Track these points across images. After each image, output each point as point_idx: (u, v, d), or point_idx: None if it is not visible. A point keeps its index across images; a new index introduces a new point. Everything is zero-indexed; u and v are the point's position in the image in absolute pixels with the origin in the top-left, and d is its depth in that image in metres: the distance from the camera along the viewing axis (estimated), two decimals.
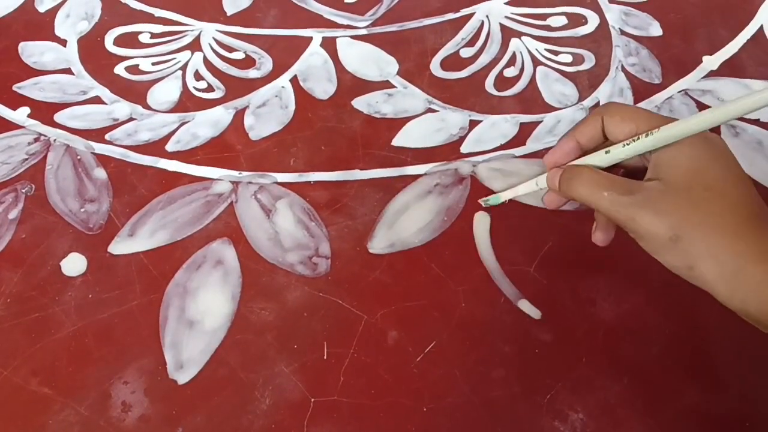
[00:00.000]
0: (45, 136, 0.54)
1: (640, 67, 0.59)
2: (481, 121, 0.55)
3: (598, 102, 0.56)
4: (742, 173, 0.32)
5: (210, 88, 0.58)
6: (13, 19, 0.65)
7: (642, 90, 0.57)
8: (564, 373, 0.41)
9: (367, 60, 0.60)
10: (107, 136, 0.54)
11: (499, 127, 0.54)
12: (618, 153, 0.34)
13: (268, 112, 0.56)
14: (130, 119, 0.56)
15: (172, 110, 0.56)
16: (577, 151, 0.36)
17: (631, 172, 0.36)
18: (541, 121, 0.55)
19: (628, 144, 0.33)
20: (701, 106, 0.55)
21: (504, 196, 0.43)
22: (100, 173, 0.52)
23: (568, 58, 0.60)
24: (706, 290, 0.31)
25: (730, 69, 0.58)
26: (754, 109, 0.30)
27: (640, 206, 0.31)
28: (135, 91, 0.58)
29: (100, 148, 0.53)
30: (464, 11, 0.64)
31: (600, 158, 0.35)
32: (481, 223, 0.48)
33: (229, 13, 0.65)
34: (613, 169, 0.35)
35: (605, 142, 0.36)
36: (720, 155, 0.32)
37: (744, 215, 0.30)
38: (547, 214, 0.48)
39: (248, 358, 0.42)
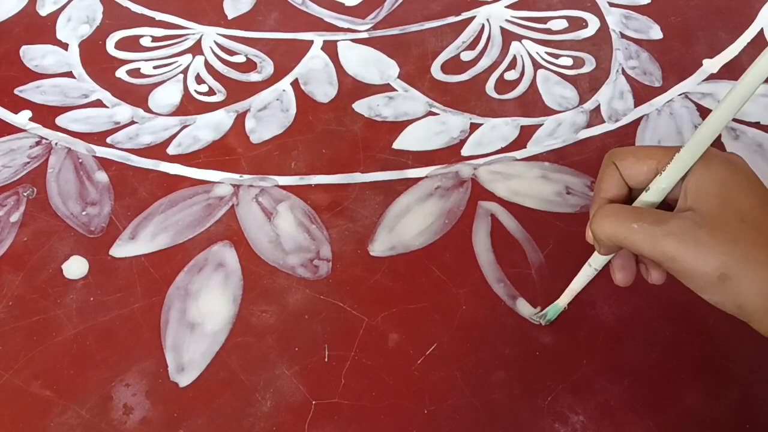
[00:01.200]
0: (46, 139, 0.55)
1: (640, 70, 0.59)
2: (481, 124, 0.55)
3: (599, 105, 0.56)
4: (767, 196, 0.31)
5: (211, 92, 0.58)
6: (14, 23, 0.65)
7: (642, 93, 0.57)
8: (564, 376, 0.41)
9: (367, 63, 0.60)
10: (109, 140, 0.54)
11: (499, 130, 0.55)
12: (643, 198, 0.32)
13: (269, 116, 0.56)
14: (132, 122, 0.56)
15: (174, 113, 0.57)
16: (626, 194, 0.34)
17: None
18: (541, 124, 0.55)
19: (648, 189, 0.31)
20: (701, 109, 0.55)
21: (563, 303, 0.41)
22: (102, 176, 0.52)
23: (569, 62, 0.60)
24: (756, 328, 0.30)
25: (730, 72, 0.58)
26: (754, 90, 0.29)
27: (677, 240, 0.29)
28: (136, 95, 0.58)
29: (102, 151, 0.54)
30: (465, 15, 0.65)
31: (642, 202, 0.32)
32: (482, 227, 0.48)
33: (230, 17, 0.65)
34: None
35: (630, 191, 0.34)
36: (746, 181, 0.31)
37: None
38: (548, 217, 0.48)
39: (249, 360, 0.42)
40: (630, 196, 0.34)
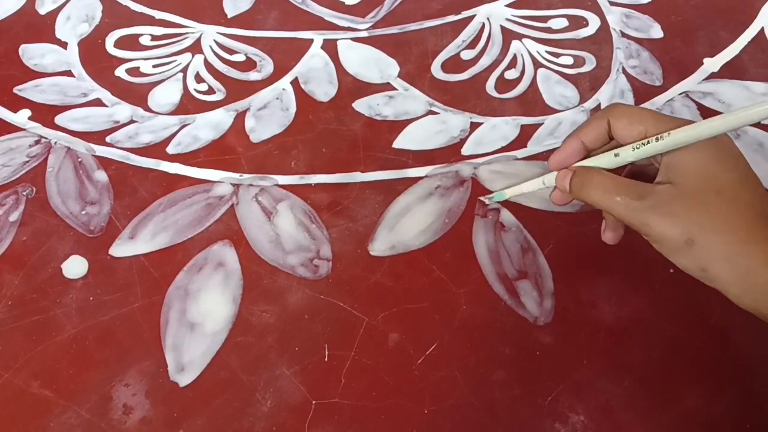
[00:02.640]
0: (46, 138, 0.54)
1: (641, 69, 0.59)
2: (482, 124, 0.55)
3: (599, 104, 0.56)
4: (752, 175, 0.33)
5: (211, 91, 0.58)
6: (13, 22, 0.65)
7: (643, 92, 0.57)
8: (565, 376, 0.41)
9: (368, 62, 0.60)
10: (108, 139, 0.54)
11: (500, 129, 0.54)
12: (627, 156, 0.34)
13: (269, 115, 0.56)
14: (131, 121, 0.56)
15: (173, 112, 0.56)
16: (582, 152, 0.37)
17: (637, 171, 0.37)
18: (542, 124, 0.55)
19: (638, 147, 0.34)
20: (702, 108, 0.55)
21: (508, 193, 0.43)
22: (101, 176, 0.52)
23: (569, 61, 0.60)
24: (719, 290, 0.32)
25: (731, 71, 0.58)
26: (765, 118, 0.30)
27: (653, 211, 0.32)
28: (136, 94, 0.58)
29: (101, 150, 0.53)
30: (465, 13, 0.65)
31: (608, 160, 0.35)
32: (481, 228, 0.48)
33: (229, 16, 0.65)
34: (618, 169, 0.35)
35: (610, 142, 0.36)
36: (730, 158, 0.33)
37: (754, 218, 0.31)
38: (548, 217, 0.48)
39: (249, 360, 0.42)
40: (606, 144, 0.36)
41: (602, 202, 0.34)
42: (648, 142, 0.33)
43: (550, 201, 0.48)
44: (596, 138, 0.36)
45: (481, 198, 0.45)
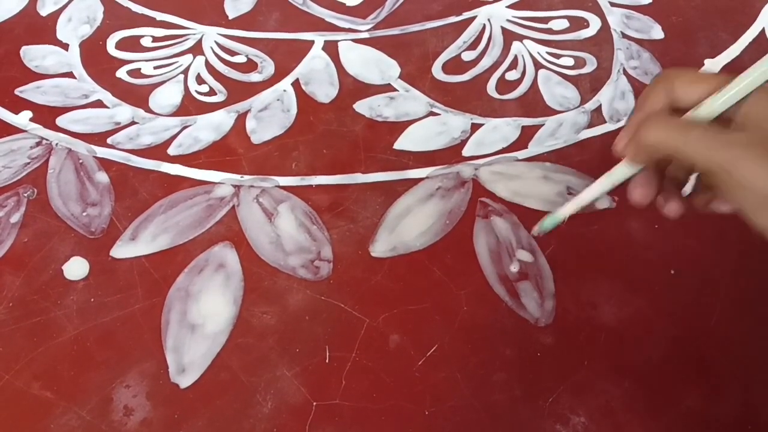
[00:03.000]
0: (47, 140, 0.54)
1: (641, 71, 0.59)
2: (482, 125, 0.55)
3: (600, 105, 0.56)
4: None
5: (212, 92, 0.58)
6: (14, 23, 0.65)
7: None
8: (565, 377, 0.41)
9: (368, 63, 0.60)
10: (109, 140, 0.54)
11: (500, 130, 0.54)
12: (713, 104, 0.29)
13: (270, 116, 0.56)
14: (132, 123, 0.56)
15: (174, 114, 0.56)
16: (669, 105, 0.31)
17: None
18: (542, 125, 0.55)
19: (721, 94, 0.29)
20: None
21: (563, 213, 0.36)
22: (102, 177, 0.52)
23: (570, 62, 0.60)
24: None
25: (732, 72, 0.58)
26: None
27: (741, 150, 0.27)
28: (137, 95, 0.58)
29: (102, 152, 0.53)
30: (466, 14, 0.65)
31: (699, 112, 0.30)
32: (482, 229, 0.48)
33: (230, 17, 0.65)
34: None
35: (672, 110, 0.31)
36: None
37: None
38: None
39: (250, 361, 0.42)
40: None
41: (671, 139, 0.29)
42: (730, 85, 0.29)
43: (550, 202, 0.48)
44: (660, 107, 0.31)
45: (533, 232, 0.38)
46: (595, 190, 0.35)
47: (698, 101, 0.30)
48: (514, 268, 0.46)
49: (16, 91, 0.58)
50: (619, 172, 0.33)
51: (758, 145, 0.27)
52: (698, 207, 0.33)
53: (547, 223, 0.36)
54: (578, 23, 0.63)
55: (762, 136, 0.27)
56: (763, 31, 0.62)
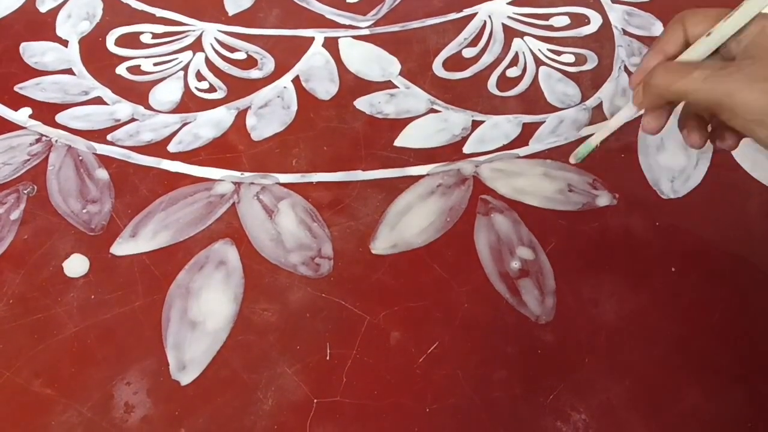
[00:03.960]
0: (47, 136, 0.54)
1: None
2: (483, 122, 0.55)
3: (601, 102, 0.56)
4: None
5: (212, 89, 0.58)
6: (14, 20, 0.65)
7: None
8: (566, 374, 0.41)
9: (369, 60, 0.60)
10: (109, 137, 0.54)
11: (501, 127, 0.54)
12: (712, 39, 0.32)
13: (271, 113, 0.56)
14: (132, 120, 0.56)
15: (174, 111, 0.56)
16: (682, 47, 0.34)
17: None
18: (543, 122, 0.55)
19: (716, 29, 0.32)
20: None
21: (595, 141, 0.38)
22: (102, 174, 0.52)
23: (571, 59, 0.60)
24: None
25: None
26: None
27: (735, 79, 0.30)
28: (137, 92, 0.58)
29: (102, 148, 0.53)
30: (466, 11, 0.64)
31: (696, 50, 0.33)
32: (483, 226, 0.48)
33: (230, 13, 0.65)
34: None
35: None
36: None
37: None
38: (550, 216, 0.48)
39: (251, 359, 0.42)
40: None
41: (675, 82, 0.32)
42: (729, 17, 0.32)
43: (550, 199, 0.48)
44: (674, 46, 0.34)
45: (570, 159, 0.40)
46: (622, 117, 0.36)
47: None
48: (515, 265, 0.46)
49: (16, 88, 0.58)
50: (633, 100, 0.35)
51: (751, 70, 0.30)
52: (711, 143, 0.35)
53: (582, 150, 0.38)
54: (579, 20, 0.63)
55: (755, 64, 0.31)
56: (763, 28, 0.62)
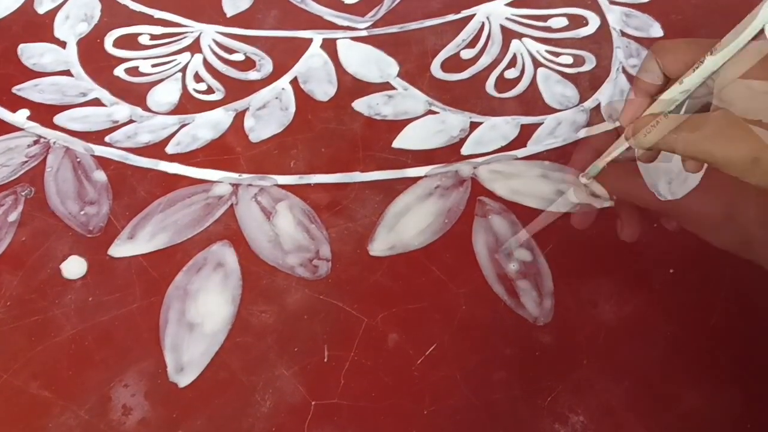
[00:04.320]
0: (44, 138, 0.54)
1: None
2: (481, 123, 0.55)
3: (599, 103, 0.56)
4: None
5: (210, 90, 0.58)
6: (12, 21, 0.65)
7: None
8: (565, 376, 0.41)
9: (367, 61, 0.60)
10: (107, 139, 0.54)
11: (499, 128, 0.54)
12: (689, 82, 0.33)
13: (269, 114, 0.56)
14: (130, 121, 0.56)
15: (172, 112, 0.56)
16: (647, 101, 0.36)
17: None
18: (542, 123, 0.55)
19: (695, 69, 0.33)
20: None
21: (601, 165, 0.40)
22: (100, 176, 0.52)
23: (569, 60, 0.60)
24: None
25: None
26: None
27: (712, 140, 0.32)
28: (135, 93, 0.58)
29: (100, 150, 0.53)
30: (465, 12, 0.64)
31: (672, 95, 0.34)
32: (481, 228, 0.48)
33: (228, 15, 0.65)
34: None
35: (669, 81, 0.35)
36: None
37: None
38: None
39: (249, 360, 0.42)
40: (666, 86, 0.35)
41: (662, 144, 0.34)
42: (702, 61, 0.32)
43: (549, 200, 0.48)
44: (656, 83, 0.35)
45: (581, 179, 0.42)
46: (619, 148, 0.38)
47: (684, 71, 0.33)
48: (513, 266, 0.46)
49: (14, 89, 0.58)
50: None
51: (725, 130, 0.31)
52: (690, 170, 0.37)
53: (592, 171, 0.40)
54: (577, 21, 0.63)
55: (730, 117, 0.32)
56: (762, 29, 0.62)
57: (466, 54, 0.61)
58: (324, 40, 0.62)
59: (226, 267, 0.46)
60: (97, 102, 0.57)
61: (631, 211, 0.37)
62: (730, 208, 0.31)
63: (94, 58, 0.61)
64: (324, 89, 0.58)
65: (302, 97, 0.57)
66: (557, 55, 0.60)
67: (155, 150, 0.53)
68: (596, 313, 0.44)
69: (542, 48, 0.61)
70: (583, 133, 0.54)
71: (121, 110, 0.56)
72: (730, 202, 0.31)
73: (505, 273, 0.45)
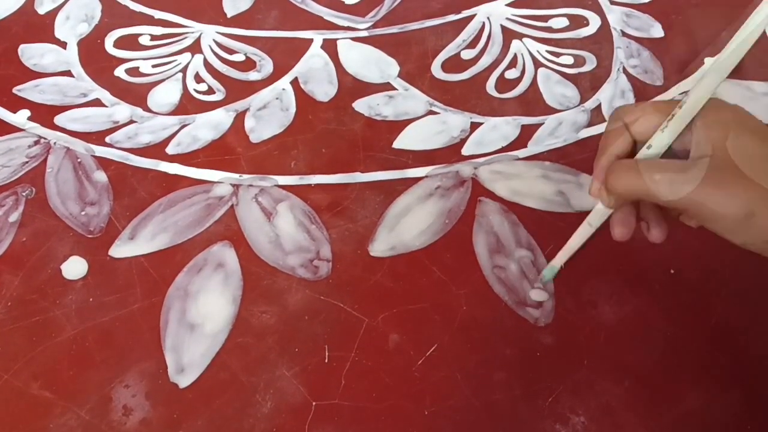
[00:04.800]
0: (45, 138, 0.54)
1: (641, 69, 0.59)
2: (482, 123, 0.55)
3: (600, 104, 0.56)
4: None
5: (210, 91, 0.58)
6: (12, 21, 0.65)
7: (643, 92, 0.57)
8: (565, 376, 0.41)
9: (368, 62, 0.60)
10: (107, 139, 0.54)
11: (500, 129, 0.54)
12: (659, 141, 0.32)
13: (269, 115, 0.56)
14: (131, 122, 0.56)
15: (173, 113, 0.56)
16: (631, 145, 0.34)
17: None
18: (542, 123, 0.55)
19: (664, 128, 0.32)
20: None
21: (558, 263, 0.40)
22: (101, 176, 0.52)
23: (570, 60, 0.60)
24: None
25: (732, 71, 0.58)
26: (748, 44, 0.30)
27: (704, 186, 0.29)
28: (135, 94, 0.58)
29: (101, 150, 0.53)
30: (465, 13, 0.64)
31: (644, 157, 0.33)
32: (482, 228, 0.48)
33: (229, 15, 0.65)
34: None
35: (635, 145, 0.34)
36: (747, 117, 0.32)
37: None
38: (549, 217, 0.48)
39: (249, 361, 0.42)
40: (634, 151, 0.34)
41: (638, 185, 0.31)
42: (672, 117, 0.31)
43: (549, 201, 0.48)
44: (623, 144, 0.34)
45: (537, 285, 0.44)
46: (580, 237, 0.38)
47: (652, 134, 0.32)
48: (513, 267, 0.46)
49: (14, 90, 0.58)
50: (598, 215, 0.36)
51: (715, 175, 0.29)
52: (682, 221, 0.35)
53: (547, 274, 0.40)
54: (578, 21, 0.63)
55: (715, 163, 0.30)
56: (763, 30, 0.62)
57: (467, 54, 0.61)
58: (324, 40, 0.62)
59: (227, 267, 0.46)
60: (97, 102, 0.57)
61: (655, 211, 0.35)
62: (752, 207, 0.29)
63: (94, 58, 0.61)
64: (324, 90, 0.58)
65: (303, 98, 0.57)
66: (558, 55, 0.60)
67: (156, 150, 0.53)
68: (596, 313, 0.44)
69: (543, 48, 0.61)
70: (583, 134, 0.54)
71: (122, 111, 0.56)
72: (751, 201, 0.29)
73: (505, 274, 0.45)
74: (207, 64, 0.60)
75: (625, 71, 0.59)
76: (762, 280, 0.45)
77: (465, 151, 0.53)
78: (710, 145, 0.30)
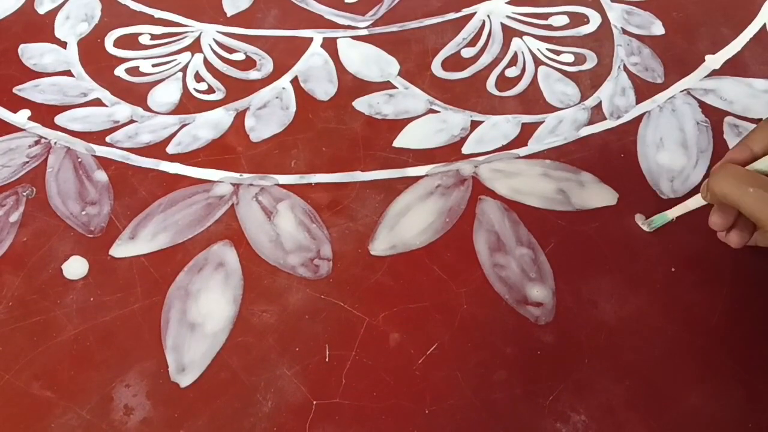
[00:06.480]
0: (45, 138, 0.54)
1: (642, 67, 0.59)
2: (482, 122, 0.55)
3: (600, 102, 0.56)
4: None
5: (210, 90, 0.58)
6: (12, 21, 0.65)
7: (644, 89, 0.57)
8: (566, 375, 0.41)
9: (368, 61, 0.60)
10: (108, 139, 0.54)
11: (500, 127, 0.54)
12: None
13: (269, 114, 0.56)
14: (131, 121, 0.56)
15: (173, 112, 0.56)
16: (750, 160, 0.35)
17: None
18: (543, 122, 0.55)
19: None
20: (704, 106, 0.55)
21: (672, 214, 0.40)
22: (101, 176, 0.52)
23: (570, 58, 0.60)
24: None
25: (732, 68, 0.58)
26: None
27: None
28: (135, 93, 0.58)
29: (101, 150, 0.53)
30: (465, 11, 0.64)
31: (752, 168, 0.34)
32: (483, 225, 0.48)
33: (229, 14, 0.65)
34: None
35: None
36: None
37: None
38: (549, 216, 0.48)
39: (250, 360, 0.42)
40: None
41: (733, 193, 0.33)
42: None
43: (550, 199, 0.48)
44: (741, 157, 0.35)
45: (642, 224, 0.45)
46: (696, 202, 0.40)
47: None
48: (515, 267, 0.46)
49: (14, 90, 0.58)
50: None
51: None
52: (755, 242, 0.37)
53: (657, 220, 0.42)
54: (578, 19, 0.63)
55: None
56: (764, 26, 0.62)
57: (467, 53, 0.61)
58: (324, 39, 0.62)
59: (227, 267, 0.46)
60: (97, 102, 0.57)
61: (746, 218, 0.36)
62: None
63: (94, 58, 0.61)
64: (324, 88, 0.58)
65: (303, 97, 0.57)
66: (558, 53, 0.60)
67: (156, 150, 0.53)
68: (597, 312, 0.44)
69: (543, 46, 0.61)
70: (584, 132, 0.54)
71: (122, 110, 0.56)
72: None
73: (506, 272, 0.45)
74: (207, 64, 0.60)
75: (625, 69, 0.59)
76: (763, 279, 0.45)
77: (465, 149, 0.53)
78: None
